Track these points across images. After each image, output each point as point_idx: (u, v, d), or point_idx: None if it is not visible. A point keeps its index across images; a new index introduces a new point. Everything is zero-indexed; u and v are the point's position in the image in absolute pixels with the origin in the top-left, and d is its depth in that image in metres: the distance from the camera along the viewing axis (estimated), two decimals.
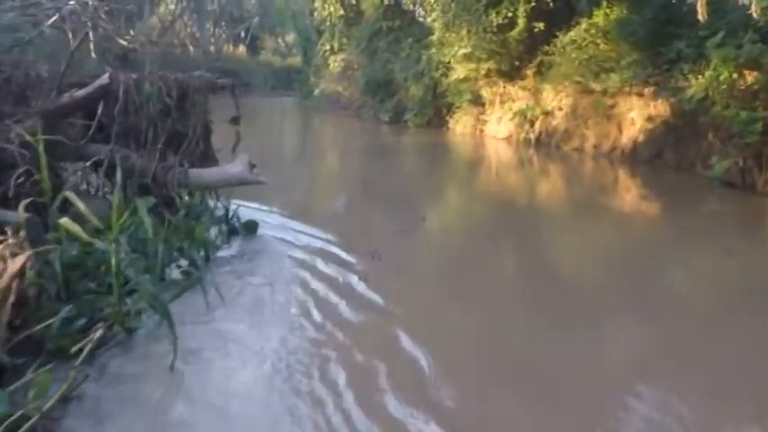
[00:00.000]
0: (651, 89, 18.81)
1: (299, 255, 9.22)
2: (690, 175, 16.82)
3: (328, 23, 37.86)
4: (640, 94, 19.39)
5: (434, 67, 27.61)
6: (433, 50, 27.24)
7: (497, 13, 23.38)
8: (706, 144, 16.42)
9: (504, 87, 25.30)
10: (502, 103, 25.49)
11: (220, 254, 9.13)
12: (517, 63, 24.64)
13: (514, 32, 23.44)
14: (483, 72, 24.86)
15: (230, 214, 10.13)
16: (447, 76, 26.71)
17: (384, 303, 7.55)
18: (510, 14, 23.29)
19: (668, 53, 18.01)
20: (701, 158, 16.64)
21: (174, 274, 7.95)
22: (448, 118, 28.22)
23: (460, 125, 27.29)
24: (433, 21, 27.40)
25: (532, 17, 23.14)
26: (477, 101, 26.45)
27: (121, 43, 19.71)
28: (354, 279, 8.29)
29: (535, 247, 10.95)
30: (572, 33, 22.04)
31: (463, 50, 24.50)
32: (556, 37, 22.78)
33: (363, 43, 35.02)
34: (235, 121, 11.40)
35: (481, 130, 26.39)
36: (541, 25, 23.10)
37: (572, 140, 21.81)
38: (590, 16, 21.74)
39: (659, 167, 18.10)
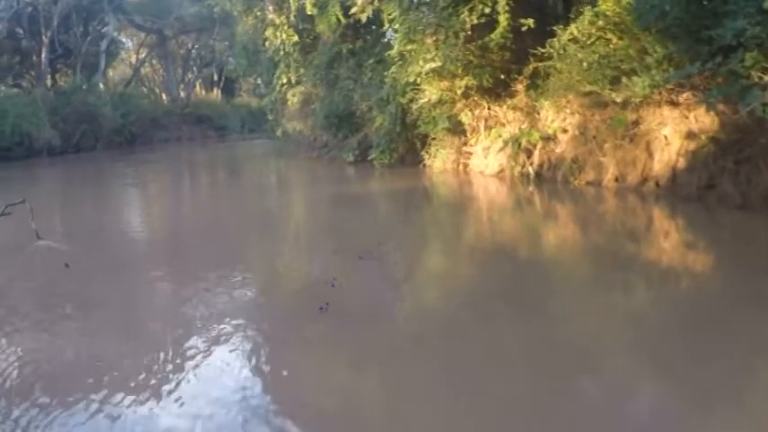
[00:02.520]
0: (688, 95, 14.06)
1: None
2: (761, 213, 12.44)
3: (282, 53, 32.02)
4: (674, 103, 14.59)
5: (400, 90, 22.20)
6: (394, 70, 21.69)
7: (470, 10, 18.08)
8: None
9: (489, 109, 20.30)
10: (488, 128, 20.49)
11: None
12: (503, 76, 19.51)
13: (495, 34, 18.06)
14: (459, 91, 19.61)
15: None
16: (416, 99, 21.31)
17: None
18: (487, 10, 17.93)
19: (718, 39, 12.42)
20: None
21: None
22: (423, 153, 23.06)
23: (439, 161, 22.25)
24: (393, 29, 21.73)
25: (517, 12, 17.80)
26: (457, 128, 21.37)
27: None
28: None
29: (542, 324, 7.75)
30: (573, 28, 16.54)
31: (431, 65, 19.14)
32: (552, 36, 17.35)
33: (322, 71, 29.93)
34: None
35: (465, 165, 21.47)
36: (531, 22, 17.86)
37: (584, 172, 16.96)
38: (594, 3, 16.36)
39: (712, 204, 13.53)
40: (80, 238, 14.26)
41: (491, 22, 18.02)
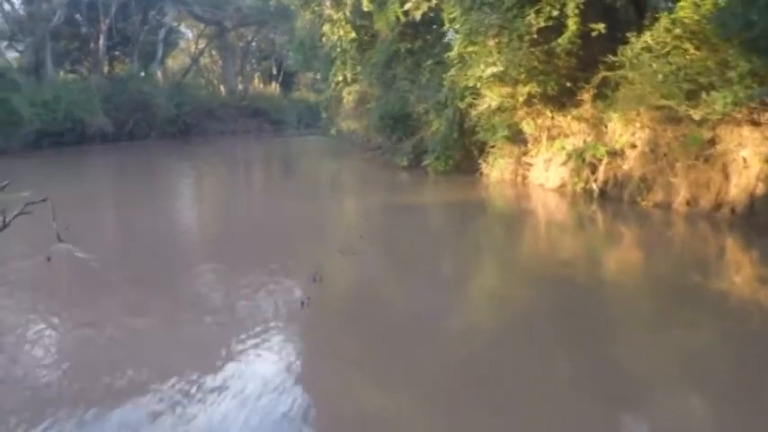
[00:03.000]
0: None
1: None
2: None
3: (339, 50, 31.20)
4: (755, 123, 13.44)
5: (459, 93, 21.05)
6: (453, 72, 20.48)
7: (537, 12, 16.88)
8: None
9: (553, 118, 19.07)
10: (550, 139, 19.31)
11: None
12: (569, 84, 18.16)
13: (563, 39, 16.79)
14: (522, 98, 18.37)
15: None
16: (475, 105, 20.07)
17: None
18: (555, 13, 16.71)
19: None
20: None
21: None
22: (480, 161, 21.89)
23: (496, 170, 21.12)
24: (453, 29, 20.65)
25: (587, 16, 16.60)
26: (517, 137, 20.25)
27: None
28: None
29: (595, 356, 7.34)
30: (647, 36, 15.28)
31: (492, 69, 17.89)
32: (622, 43, 16.20)
33: (378, 70, 29.02)
34: None
35: (524, 177, 20.33)
36: (602, 27, 16.55)
37: (653, 192, 15.64)
38: (670, 9, 15.32)
39: None
40: (121, 237, 14.55)
41: (558, 26, 16.86)
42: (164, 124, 52.56)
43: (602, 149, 16.97)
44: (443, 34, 25.15)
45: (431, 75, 24.49)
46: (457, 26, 19.63)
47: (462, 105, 20.96)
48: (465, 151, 22.69)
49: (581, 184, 17.47)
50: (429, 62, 24.99)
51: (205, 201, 22.94)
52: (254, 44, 69.98)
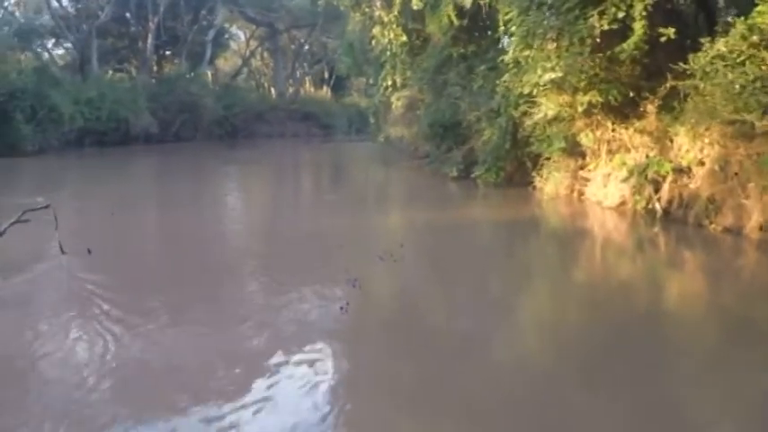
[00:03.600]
0: None
1: None
2: None
3: (389, 53, 30.15)
4: None
5: (513, 101, 20.02)
6: (507, 78, 19.44)
7: (601, 14, 15.58)
8: None
9: (614, 131, 17.77)
10: (610, 153, 18.01)
11: None
12: (632, 94, 16.87)
13: (628, 44, 15.49)
14: (581, 108, 17.11)
15: None
16: (530, 114, 18.98)
17: None
18: (621, 15, 15.43)
19: None
20: None
21: None
22: (533, 174, 20.74)
23: (551, 185, 19.86)
24: (508, 32, 19.50)
25: (655, 20, 15.33)
26: (575, 150, 19.01)
27: None
28: None
29: (649, 396, 6.41)
30: (721, 43, 13.90)
31: (550, 75, 16.73)
32: (692, 50, 14.72)
33: (429, 76, 27.99)
34: None
35: (580, 193, 19.04)
36: (671, 32, 15.19)
37: (722, 215, 14.24)
38: (746, 14, 13.73)
39: None
40: (147, 247, 13.81)
41: (623, 30, 15.62)
42: (211, 126, 52.27)
43: (667, 166, 15.67)
44: (497, 39, 24.25)
45: (484, 81, 23.41)
46: (513, 28, 18.39)
47: (516, 114, 19.91)
48: (517, 163, 21.67)
49: (642, 203, 16.18)
50: (482, 67, 23.87)
51: (248, 207, 22.18)
52: (306, 47, 69.79)
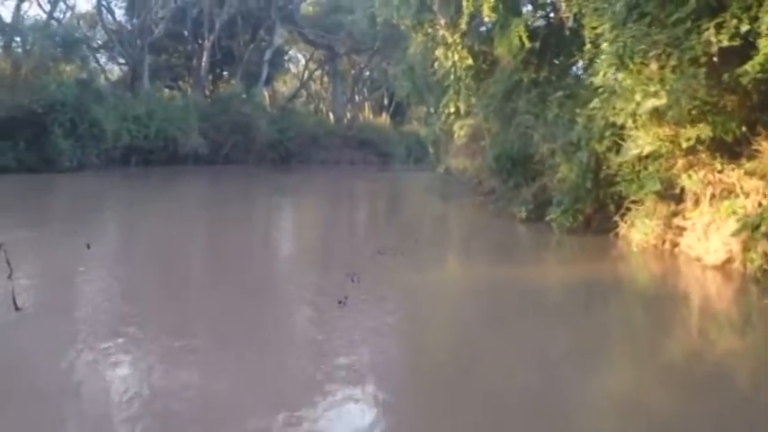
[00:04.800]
0: None
1: None
2: None
3: (452, 78, 26.96)
4: None
5: (597, 133, 17.03)
6: (597, 104, 16.13)
7: (719, 27, 12.50)
8: None
9: (721, 171, 14.63)
10: (714, 199, 14.78)
11: None
12: (744, 128, 13.96)
13: (753, 66, 12.30)
14: (686, 143, 14.07)
15: None
16: (618, 149, 16.17)
17: None
18: (744, 29, 12.35)
19: None
20: None
21: None
22: (617, 218, 17.43)
23: (639, 233, 16.44)
24: (597, 51, 16.28)
25: None
26: (668, 193, 15.89)
27: None
28: None
29: None
30: None
31: (653, 102, 13.58)
32: None
33: (496, 103, 24.79)
34: None
35: (674, 245, 15.77)
36: None
37: None
38: None
39: None
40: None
41: (744, 48, 12.44)
42: (263, 149, 50.19)
43: None
44: (574, 62, 21.64)
45: (560, 110, 20.30)
46: (603, 45, 15.14)
47: (600, 148, 16.81)
48: (598, 204, 18.48)
49: (757, 263, 12.94)
50: (558, 94, 20.77)
51: (294, 245, 19.97)
52: (366, 72, 67.98)
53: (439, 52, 27.26)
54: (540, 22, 24.13)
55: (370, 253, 15.50)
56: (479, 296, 12.67)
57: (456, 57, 26.35)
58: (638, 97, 13.89)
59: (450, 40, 26.17)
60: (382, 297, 12.09)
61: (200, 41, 50.77)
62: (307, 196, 33.11)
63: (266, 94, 59.05)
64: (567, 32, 21.74)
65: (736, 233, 13.52)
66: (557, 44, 23.10)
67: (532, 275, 14.44)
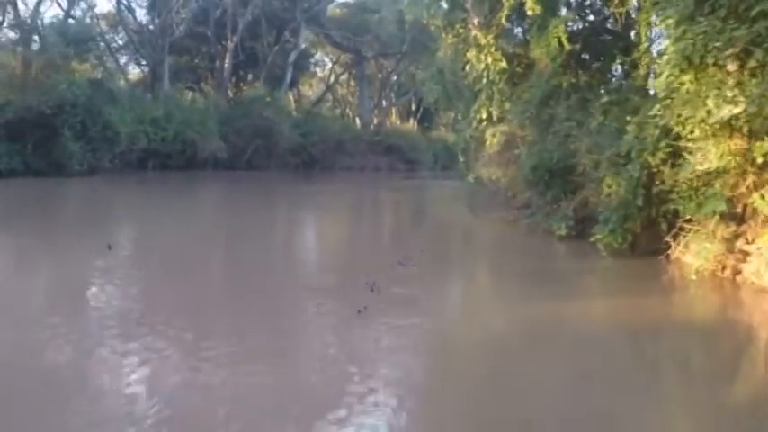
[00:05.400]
0: None
1: None
2: None
3: (485, 81, 25.08)
4: None
5: (650, 144, 14.92)
6: (658, 111, 14.11)
7: None
8: None
9: None
10: None
11: None
12: None
13: None
14: (762, 159, 11.92)
15: None
16: (676, 163, 14.18)
17: None
18: None
19: None
20: None
21: None
22: (670, 239, 15.31)
23: (698, 257, 14.21)
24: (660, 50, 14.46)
25: None
26: (732, 213, 13.85)
27: None
28: None
29: None
30: None
31: (729, 109, 11.41)
32: None
33: (533, 109, 22.72)
34: None
35: (735, 272, 13.72)
36: None
37: None
38: None
39: None
40: None
41: None
42: (286, 154, 48.55)
43: None
44: (623, 66, 20.09)
45: (605, 117, 18.33)
46: (667, 43, 13.04)
47: (654, 161, 14.72)
48: (649, 223, 16.25)
49: None
50: (604, 100, 18.84)
51: (309, 261, 17.89)
52: (393, 77, 66.34)
53: (471, 54, 25.41)
54: (580, 24, 22.54)
55: (393, 281, 13.48)
56: (508, 347, 9.93)
57: (489, 59, 24.54)
58: (710, 103, 11.89)
59: (483, 41, 24.37)
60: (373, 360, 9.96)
61: (222, 43, 49.55)
62: (327, 208, 31.15)
63: (291, 98, 57.72)
64: (609, 35, 19.96)
65: None
66: (598, 47, 21.57)
67: (576, 313, 11.79)
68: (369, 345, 9.60)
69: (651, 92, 17.49)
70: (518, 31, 24.15)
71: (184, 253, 16.55)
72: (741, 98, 11.30)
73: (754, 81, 11.10)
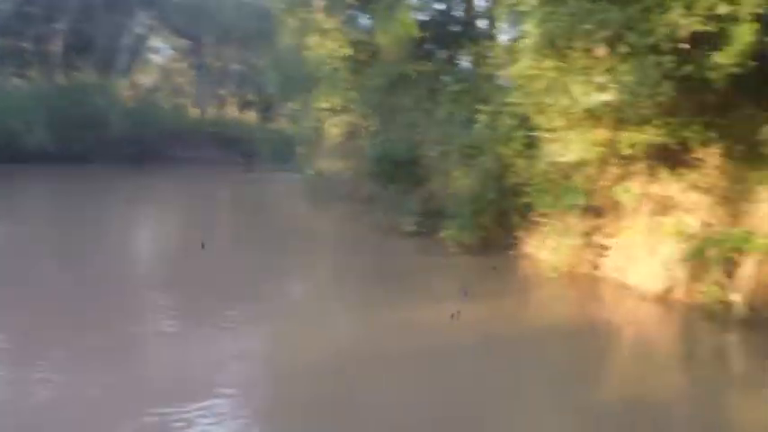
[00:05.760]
0: None
1: None
2: None
3: (328, 69, 24.30)
4: None
5: (503, 134, 14.22)
6: (518, 99, 13.34)
7: (688, 7, 9.90)
8: None
9: (656, 183, 12.18)
10: (653, 215, 12.18)
11: None
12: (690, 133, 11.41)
13: (726, 55, 9.39)
14: (627, 150, 11.51)
15: None
16: (532, 154, 13.45)
17: None
18: (723, 10, 9.75)
19: None
20: None
21: None
22: (520, 233, 14.89)
23: (555, 253, 13.62)
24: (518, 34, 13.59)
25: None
26: (590, 206, 13.25)
27: None
28: None
29: None
30: None
31: (600, 96, 10.50)
32: None
33: (378, 97, 21.71)
34: None
35: (595, 267, 13.20)
36: None
37: None
38: None
39: None
40: None
41: (715, 36, 9.73)
42: (119, 145, 45.91)
43: (760, 242, 10.16)
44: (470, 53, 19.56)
45: (453, 106, 17.40)
46: (528, 26, 11.97)
47: (508, 152, 13.81)
48: (499, 217, 15.44)
49: (715, 293, 10.48)
50: (455, 88, 17.85)
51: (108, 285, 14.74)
52: (233, 66, 64.89)
53: (313, 40, 24.45)
54: (428, 11, 22.04)
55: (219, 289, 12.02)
56: (352, 368, 8.54)
57: (333, 45, 23.58)
58: (575, 91, 11.04)
59: (326, 25, 23.44)
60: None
61: (52, 24, 46.37)
62: (157, 205, 29.19)
63: (126, 86, 55.44)
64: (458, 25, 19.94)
65: (693, 257, 10.85)
66: (445, 36, 21.12)
67: (427, 321, 10.47)
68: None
69: (502, 82, 16.69)
70: (364, 17, 23.16)
71: None
72: (612, 85, 10.49)
73: (625, 67, 10.31)
